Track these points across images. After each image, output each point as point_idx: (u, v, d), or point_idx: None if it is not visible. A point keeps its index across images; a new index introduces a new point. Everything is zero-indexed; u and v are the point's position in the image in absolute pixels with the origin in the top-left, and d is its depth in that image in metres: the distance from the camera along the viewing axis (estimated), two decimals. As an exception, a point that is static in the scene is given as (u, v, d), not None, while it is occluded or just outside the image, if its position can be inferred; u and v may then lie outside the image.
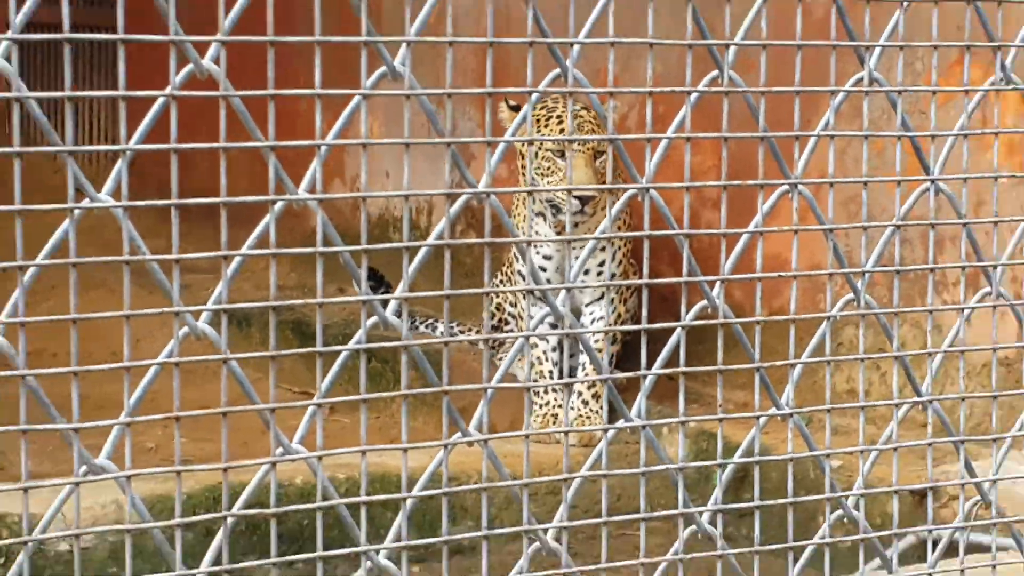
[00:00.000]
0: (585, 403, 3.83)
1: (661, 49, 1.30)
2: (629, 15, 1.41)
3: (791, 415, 1.28)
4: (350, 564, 1.26)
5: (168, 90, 1.06)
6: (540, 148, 3.70)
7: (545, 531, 1.28)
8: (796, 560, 1.35)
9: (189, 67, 1.07)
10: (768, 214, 1.32)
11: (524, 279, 3.11)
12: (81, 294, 1.07)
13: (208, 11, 1.11)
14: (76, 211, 1.05)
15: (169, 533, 1.10)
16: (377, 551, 1.22)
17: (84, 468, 1.07)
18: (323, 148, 1.15)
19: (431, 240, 1.25)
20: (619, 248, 3.90)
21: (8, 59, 1.00)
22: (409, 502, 1.23)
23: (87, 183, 1.04)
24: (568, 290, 1.41)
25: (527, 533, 1.28)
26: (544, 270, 3.88)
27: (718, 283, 1.30)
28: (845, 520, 1.41)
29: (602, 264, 3.75)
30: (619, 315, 4.08)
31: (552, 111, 3.77)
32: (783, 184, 1.29)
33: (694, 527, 1.33)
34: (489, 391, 1.28)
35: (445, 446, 1.24)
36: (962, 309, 1.47)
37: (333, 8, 1.19)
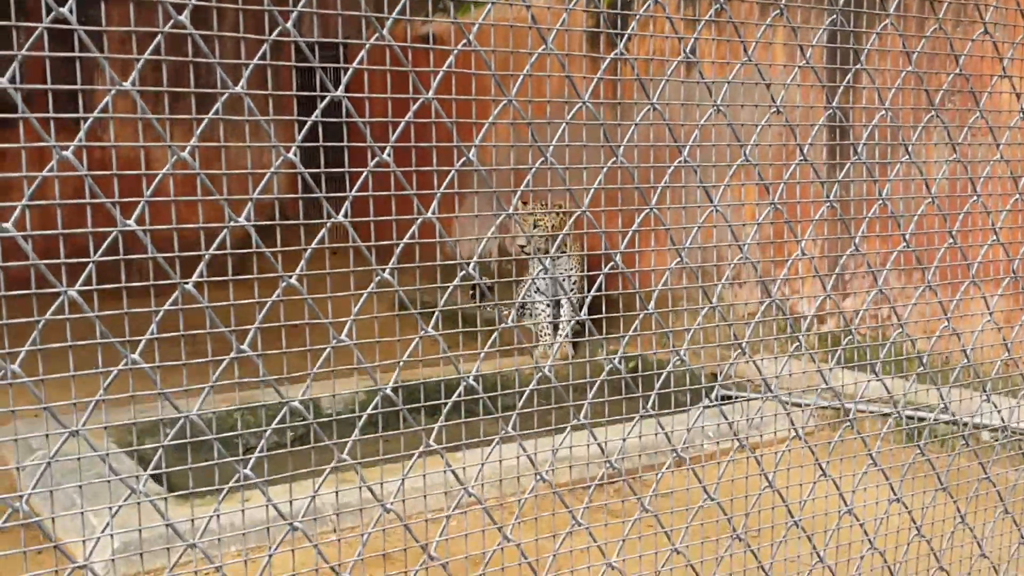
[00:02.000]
0: (561, 338, 8.16)
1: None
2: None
3: (652, 334, 2.86)
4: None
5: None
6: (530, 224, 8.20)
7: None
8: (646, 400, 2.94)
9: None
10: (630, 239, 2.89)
11: (534, 283, 7.94)
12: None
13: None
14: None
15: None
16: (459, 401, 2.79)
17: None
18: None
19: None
20: (576, 267, 8.02)
21: None
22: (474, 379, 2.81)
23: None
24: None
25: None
26: (543, 279, 8.08)
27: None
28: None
29: (571, 270, 7.96)
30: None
31: (535, 210, 7.98)
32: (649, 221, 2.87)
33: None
34: (517, 330, 2.85)
35: (498, 353, 2.81)
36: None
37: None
